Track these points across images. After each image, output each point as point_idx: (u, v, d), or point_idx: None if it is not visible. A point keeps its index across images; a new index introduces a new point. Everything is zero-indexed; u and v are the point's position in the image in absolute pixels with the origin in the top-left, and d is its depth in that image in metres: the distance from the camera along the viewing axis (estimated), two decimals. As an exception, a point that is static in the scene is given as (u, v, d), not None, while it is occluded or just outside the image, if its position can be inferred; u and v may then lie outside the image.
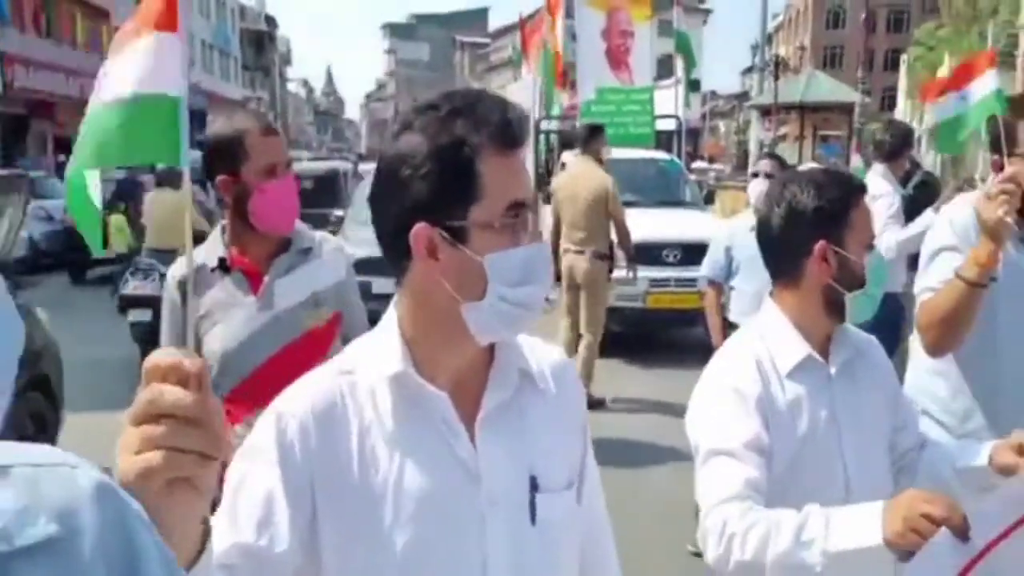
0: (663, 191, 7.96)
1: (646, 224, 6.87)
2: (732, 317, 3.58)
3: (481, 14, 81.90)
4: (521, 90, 9.76)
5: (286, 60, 70.69)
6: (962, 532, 1.08)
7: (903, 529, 1.07)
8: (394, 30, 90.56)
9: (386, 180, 0.89)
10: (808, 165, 5.35)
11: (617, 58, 8.63)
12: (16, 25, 20.12)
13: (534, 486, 0.92)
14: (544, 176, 8.82)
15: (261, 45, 53.20)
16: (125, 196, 9.90)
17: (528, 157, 6.89)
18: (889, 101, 38.06)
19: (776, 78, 17.69)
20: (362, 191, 9.17)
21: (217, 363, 1.72)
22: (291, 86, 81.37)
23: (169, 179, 7.27)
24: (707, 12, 44.81)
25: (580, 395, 1.06)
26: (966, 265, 1.71)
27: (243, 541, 0.83)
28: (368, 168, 19.66)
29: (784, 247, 1.41)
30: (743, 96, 45.50)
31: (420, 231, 0.87)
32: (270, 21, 56.17)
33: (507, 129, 0.88)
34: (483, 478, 0.90)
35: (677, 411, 1.44)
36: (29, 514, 0.47)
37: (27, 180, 5.58)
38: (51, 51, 21.54)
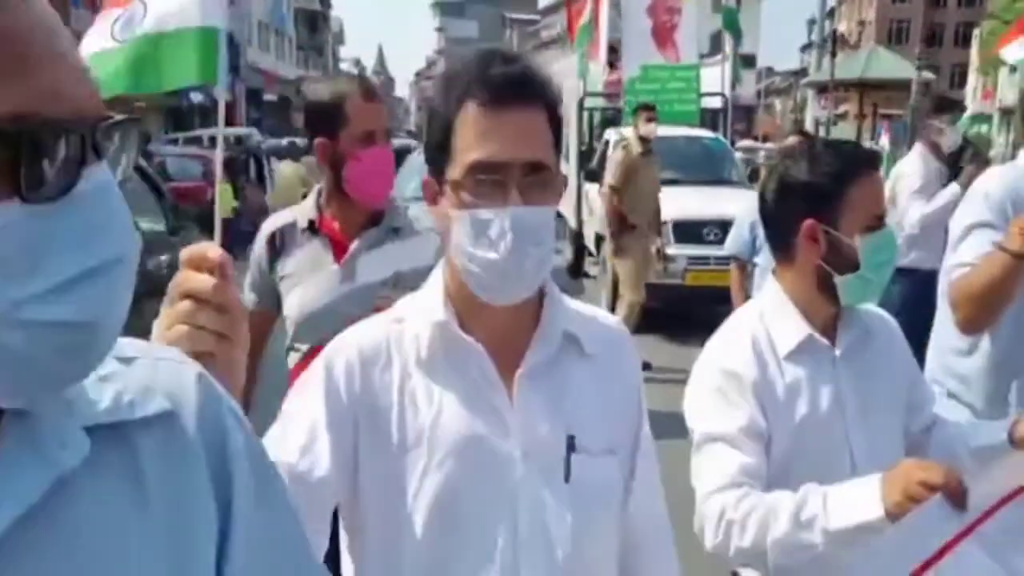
0: (707, 169, 7.89)
1: (686, 202, 6.85)
2: (756, 294, 3.58)
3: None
4: (565, 68, 9.74)
5: (339, 39, 71.38)
6: (959, 499, 1.06)
7: (902, 499, 1.06)
8: (444, 8, 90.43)
9: None
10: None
11: (663, 35, 8.55)
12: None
13: (571, 446, 0.92)
14: (587, 154, 8.81)
15: (315, 25, 53.84)
16: (234, 170, 11.39)
17: (571, 134, 6.90)
18: (959, 79, 36.33)
19: (833, 55, 17.12)
20: (408, 168, 9.24)
21: (295, 324, 1.72)
22: (343, 65, 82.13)
23: (290, 152, 10.00)
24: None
25: (635, 366, 1.06)
26: (1010, 236, 1.62)
27: (287, 462, 0.88)
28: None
29: (776, 223, 1.36)
30: (801, 73, 44.02)
31: (426, 180, 0.95)
32: (323, 1, 56.71)
33: (484, 84, 0.87)
34: (516, 431, 0.92)
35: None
36: (149, 392, 0.57)
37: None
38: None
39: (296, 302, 1.70)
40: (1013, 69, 34.56)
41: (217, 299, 0.65)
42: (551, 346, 0.95)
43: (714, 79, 9.40)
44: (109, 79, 1.52)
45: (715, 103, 9.22)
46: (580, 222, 8.40)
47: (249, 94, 36.56)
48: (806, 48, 49.89)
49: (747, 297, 3.55)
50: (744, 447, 1.23)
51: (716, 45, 15.02)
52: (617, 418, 1.00)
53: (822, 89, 23.18)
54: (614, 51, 9.65)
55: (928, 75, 23.61)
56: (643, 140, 5.54)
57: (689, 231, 6.73)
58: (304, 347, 1.71)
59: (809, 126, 24.16)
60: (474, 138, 0.88)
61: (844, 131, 23.96)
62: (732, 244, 3.74)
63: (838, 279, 1.28)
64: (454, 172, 0.89)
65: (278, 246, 1.75)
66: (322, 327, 1.59)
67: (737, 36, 9.71)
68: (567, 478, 0.92)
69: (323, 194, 1.76)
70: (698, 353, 1.37)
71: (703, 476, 1.25)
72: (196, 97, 28.85)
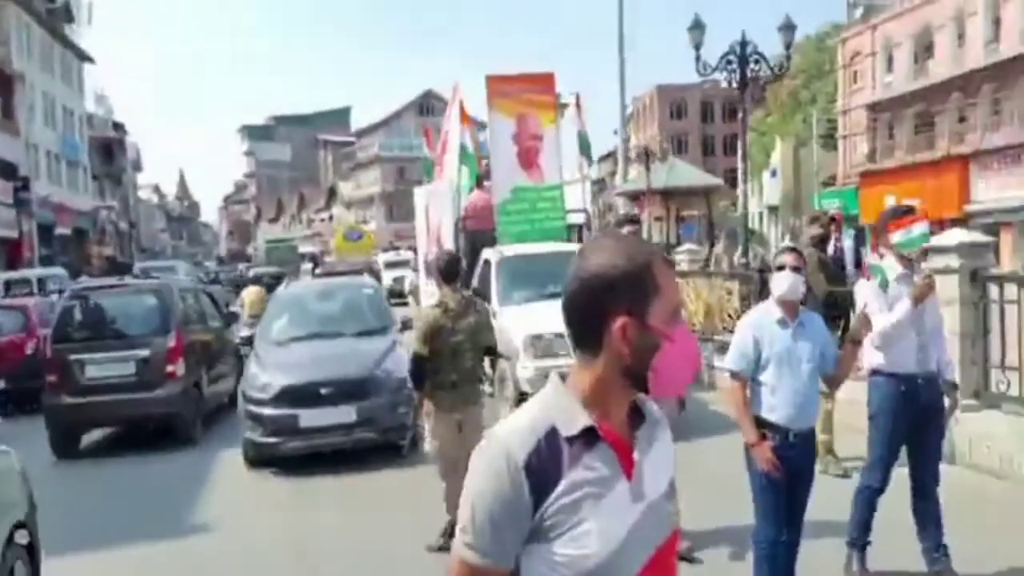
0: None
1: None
2: (764, 414, 3.25)
3: (343, 114, 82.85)
4: (435, 194, 9.97)
5: (136, 166, 67.66)
6: None
7: None
8: (252, 132, 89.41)
9: None
10: None
11: (528, 159, 9.11)
12: None
13: None
14: (468, 275, 8.94)
15: (110, 152, 50.80)
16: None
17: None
18: (731, 182, 41.88)
19: (647, 168, 19.18)
20: (275, 306, 8.37)
21: (584, 574, 1.20)
22: (142, 193, 77.63)
23: (257, 279, 15.84)
24: (564, 106, 47.93)
25: None
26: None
27: None
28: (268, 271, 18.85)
29: None
30: (600, 182, 48.44)
31: None
32: (118, 127, 53.92)
33: None
34: None
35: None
36: None
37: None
38: None
39: (593, 546, 1.18)
40: (773, 173, 40.55)
41: None
42: None
43: (573, 197, 10.10)
44: None
45: (578, 219, 9.86)
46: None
47: (40, 230, 33.18)
48: (604, 159, 55.13)
49: (753, 415, 3.29)
50: None
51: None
52: None
53: (633, 197, 25.70)
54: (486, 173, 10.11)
55: (718, 181, 27.24)
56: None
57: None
58: None
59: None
60: None
61: (653, 230, 26.84)
62: (736, 360, 3.32)
63: None
64: None
65: (546, 470, 1.17)
66: (621, 572, 1.22)
67: (589, 158, 10.61)
68: None
69: (590, 386, 1.24)
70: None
71: None
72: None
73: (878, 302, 3.58)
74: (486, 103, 8.93)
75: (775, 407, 3.24)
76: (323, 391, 6.42)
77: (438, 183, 10.30)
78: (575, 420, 1.20)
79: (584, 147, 10.25)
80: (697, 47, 9.58)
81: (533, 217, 9.11)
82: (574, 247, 9.34)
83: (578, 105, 10.14)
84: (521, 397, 6.97)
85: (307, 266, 21.31)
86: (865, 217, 27.59)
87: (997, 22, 26.12)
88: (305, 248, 49.70)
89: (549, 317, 7.27)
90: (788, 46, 9.67)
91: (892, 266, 3.65)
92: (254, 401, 6.62)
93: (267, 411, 6.49)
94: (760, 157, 43.12)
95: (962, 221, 24.23)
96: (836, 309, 5.47)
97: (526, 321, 7.24)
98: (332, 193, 69.86)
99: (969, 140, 26.87)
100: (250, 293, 13.04)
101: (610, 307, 1.18)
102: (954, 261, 5.33)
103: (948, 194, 25.77)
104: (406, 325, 8.26)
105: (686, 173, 25.16)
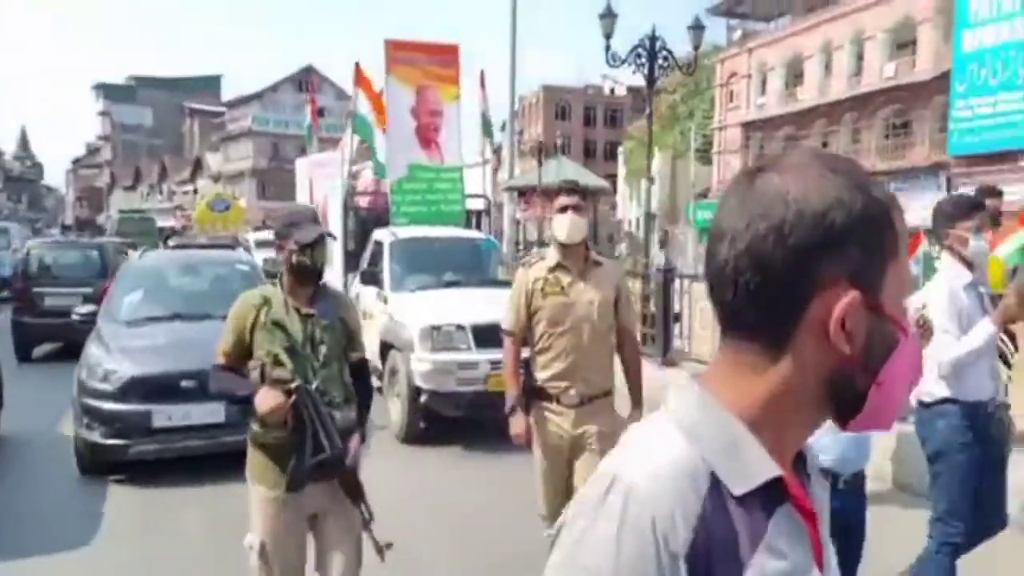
0: (483, 271, 7.82)
1: (481, 305, 6.65)
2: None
3: (212, 82, 77.78)
4: (321, 166, 9.09)
5: (-33, 117, 60.05)
6: None
7: None
8: (109, 91, 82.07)
9: None
10: None
11: (427, 136, 8.48)
12: None
13: None
14: (355, 254, 8.19)
15: (-65, 97, 44.77)
16: None
17: (338, 234, 6.07)
18: (611, 186, 43.04)
19: (540, 163, 19.04)
20: (127, 278, 7.24)
21: None
22: (-27, 147, 69.13)
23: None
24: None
25: None
26: None
27: None
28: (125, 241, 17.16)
29: None
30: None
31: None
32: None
33: None
34: None
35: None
36: None
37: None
38: None
39: None
40: (652, 180, 42.18)
41: None
42: None
43: (473, 181, 9.57)
44: None
45: (477, 204, 9.34)
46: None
47: None
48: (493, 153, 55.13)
49: None
50: None
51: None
52: None
53: (520, 193, 25.57)
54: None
55: (605, 183, 27.77)
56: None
57: (488, 335, 6.49)
58: None
59: (507, 225, 26.47)
60: None
61: (531, 229, 26.86)
62: None
63: None
64: None
65: (717, 558, 0.66)
66: None
67: (492, 141, 10.10)
68: None
69: (766, 402, 0.71)
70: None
71: None
72: None
73: (953, 320, 2.78)
74: (384, 69, 8.20)
75: (826, 446, 2.39)
76: (184, 384, 5.31)
77: (326, 154, 9.44)
78: (751, 465, 0.67)
79: (487, 129, 9.75)
80: (607, 36, 9.33)
81: (430, 199, 8.50)
82: (475, 234, 8.81)
83: (482, 84, 9.62)
84: (416, 394, 6.36)
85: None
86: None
87: (860, 57, 28.20)
88: (165, 222, 45.98)
89: (448, 306, 6.72)
90: (697, 47, 9.65)
91: (955, 269, 2.88)
92: (93, 393, 5.39)
93: (110, 406, 5.32)
94: (640, 163, 44.68)
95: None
96: None
97: (422, 310, 6.63)
98: (198, 165, 65.25)
99: (830, 164, 28.88)
100: None
101: (825, 271, 0.66)
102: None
103: (810, 213, 27.46)
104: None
105: (574, 172, 25.32)
